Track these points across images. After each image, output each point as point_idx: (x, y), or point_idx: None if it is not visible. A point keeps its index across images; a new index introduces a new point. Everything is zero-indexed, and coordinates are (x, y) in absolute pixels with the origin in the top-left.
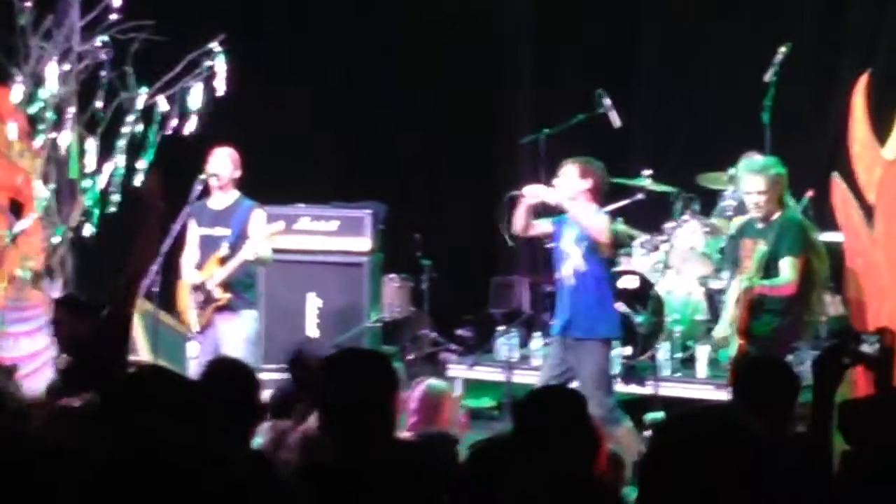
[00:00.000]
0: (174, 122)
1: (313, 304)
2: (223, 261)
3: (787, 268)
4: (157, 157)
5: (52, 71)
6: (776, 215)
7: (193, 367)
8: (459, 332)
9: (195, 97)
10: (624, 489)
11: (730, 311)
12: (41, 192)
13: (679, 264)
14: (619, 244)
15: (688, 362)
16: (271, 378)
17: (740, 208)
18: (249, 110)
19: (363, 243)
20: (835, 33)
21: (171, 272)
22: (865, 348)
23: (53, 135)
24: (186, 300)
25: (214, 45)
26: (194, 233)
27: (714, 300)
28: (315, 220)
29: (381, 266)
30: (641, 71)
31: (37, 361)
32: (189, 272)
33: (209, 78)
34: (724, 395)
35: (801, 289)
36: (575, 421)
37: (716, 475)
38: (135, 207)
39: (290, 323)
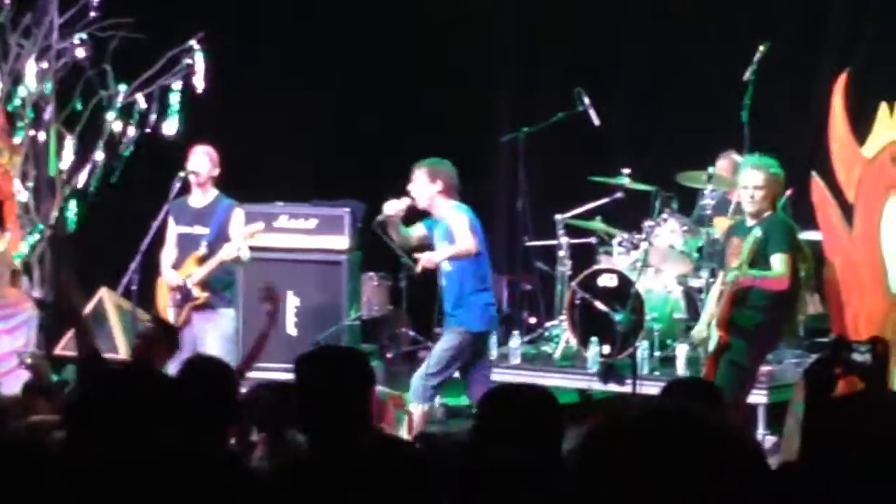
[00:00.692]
0: (153, 120)
1: (291, 302)
2: (201, 260)
3: (779, 263)
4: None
5: (31, 68)
6: (766, 214)
7: (171, 366)
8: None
9: (174, 95)
10: None
11: (710, 310)
12: (19, 191)
13: (658, 263)
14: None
15: (667, 361)
16: (251, 377)
17: (719, 207)
18: (228, 108)
19: (341, 241)
20: (814, 32)
21: (149, 270)
22: (857, 357)
23: (32, 132)
24: (165, 298)
25: (193, 43)
26: (173, 231)
27: (693, 298)
28: (293, 218)
29: (360, 264)
30: (621, 70)
31: (16, 359)
32: (167, 272)
33: (188, 75)
34: None
35: (789, 287)
36: (538, 419)
37: (683, 473)
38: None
39: None
